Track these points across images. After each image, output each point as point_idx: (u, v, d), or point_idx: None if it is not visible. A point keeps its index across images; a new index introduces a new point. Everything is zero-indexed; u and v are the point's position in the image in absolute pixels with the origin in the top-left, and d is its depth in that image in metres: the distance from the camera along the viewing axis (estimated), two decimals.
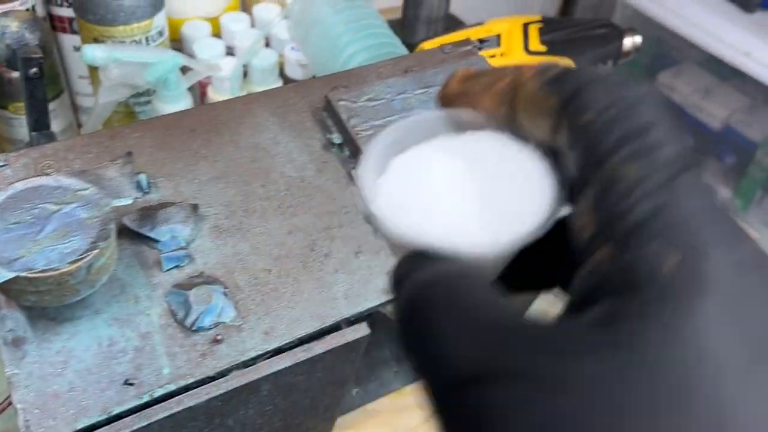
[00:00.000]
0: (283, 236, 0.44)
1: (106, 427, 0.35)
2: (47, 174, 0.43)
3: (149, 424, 0.36)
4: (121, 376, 0.37)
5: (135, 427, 0.35)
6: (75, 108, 0.82)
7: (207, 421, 0.39)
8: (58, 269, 0.34)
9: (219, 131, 0.48)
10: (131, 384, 0.37)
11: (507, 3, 1.42)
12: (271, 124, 0.49)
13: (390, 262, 0.43)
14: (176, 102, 0.66)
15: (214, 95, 0.74)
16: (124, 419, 0.35)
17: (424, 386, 0.17)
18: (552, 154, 0.20)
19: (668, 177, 0.16)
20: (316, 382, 0.43)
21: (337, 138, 0.48)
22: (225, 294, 0.40)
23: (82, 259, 0.34)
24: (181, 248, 0.41)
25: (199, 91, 0.78)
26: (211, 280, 0.40)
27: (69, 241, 0.35)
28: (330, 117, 0.50)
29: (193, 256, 0.42)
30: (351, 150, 0.48)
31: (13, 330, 0.37)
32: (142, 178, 0.43)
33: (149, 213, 0.42)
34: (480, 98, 0.21)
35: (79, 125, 0.80)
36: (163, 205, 0.42)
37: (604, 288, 0.16)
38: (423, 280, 0.18)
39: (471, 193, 0.20)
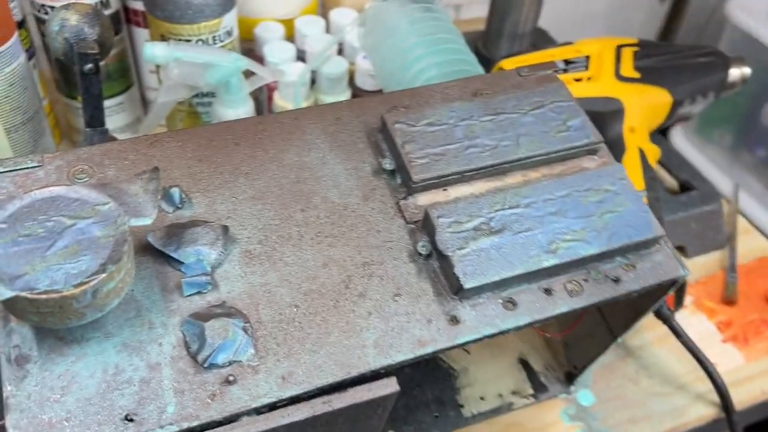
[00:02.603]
0: (317, 269, 0.40)
1: None
2: (79, 179, 0.41)
3: None
4: (122, 410, 0.34)
5: None
6: (144, 102, 0.82)
7: None
8: (60, 292, 0.31)
9: (264, 146, 0.44)
10: (131, 420, 0.34)
11: (604, 20, 1.34)
12: (321, 143, 0.45)
13: (431, 308, 0.38)
14: (237, 107, 0.63)
15: (280, 102, 0.72)
16: None
17: None
18: None
19: None
20: None
21: (389, 164, 0.44)
22: (245, 329, 0.37)
23: (87, 282, 0.31)
24: (205, 273, 0.38)
25: (267, 95, 0.76)
26: (232, 312, 0.37)
27: (78, 261, 0.32)
28: (385, 140, 0.45)
29: (217, 283, 0.38)
30: (403, 178, 0.43)
31: (18, 346, 0.35)
32: (175, 192, 0.40)
33: (176, 231, 0.39)
34: None
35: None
36: (193, 224, 0.39)
37: None
38: None
39: None
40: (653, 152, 0.69)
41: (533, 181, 0.45)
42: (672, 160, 0.78)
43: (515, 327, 0.39)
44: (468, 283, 0.38)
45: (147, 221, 0.35)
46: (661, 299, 0.46)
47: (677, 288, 0.64)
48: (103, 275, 0.32)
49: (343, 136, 0.46)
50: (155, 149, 0.43)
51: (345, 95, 0.74)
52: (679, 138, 1.24)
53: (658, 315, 0.57)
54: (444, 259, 0.40)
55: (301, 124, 0.46)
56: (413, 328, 0.38)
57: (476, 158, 0.44)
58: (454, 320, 0.39)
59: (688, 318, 0.67)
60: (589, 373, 0.61)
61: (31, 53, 0.68)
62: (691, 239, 0.72)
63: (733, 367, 0.63)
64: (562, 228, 0.41)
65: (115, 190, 0.35)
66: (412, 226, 0.42)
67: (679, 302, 0.63)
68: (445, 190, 0.44)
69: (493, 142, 0.44)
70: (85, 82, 0.53)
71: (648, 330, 0.65)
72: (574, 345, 0.59)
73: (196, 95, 0.68)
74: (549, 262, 0.40)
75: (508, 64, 0.69)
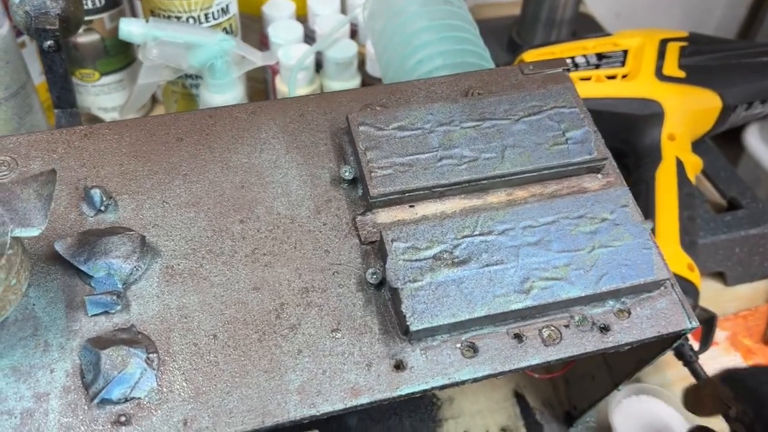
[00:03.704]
0: (247, 292, 0.34)
1: None
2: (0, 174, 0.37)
3: None
4: None
5: None
6: None
7: None
8: None
9: (211, 144, 0.39)
10: None
11: (681, 6, 1.20)
12: (277, 143, 0.39)
13: (374, 349, 0.32)
14: (223, 92, 0.58)
15: (281, 86, 0.66)
16: None
17: None
18: None
19: None
20: None
21: (348, 172, 0.38)
22: (148, 360, 0.32)
23: None
24: (114, 292, 0.33)
25: (271, 78, 0.70)
26: (137, 339, 0.32)
27: None
28: (350, 143, 0.39)
29: (129, 302, 0.34)
30: (363, 190, 0.37)
31: None
32: (96, 193, 0.35)
33: (89, 239, 0.34)
34: None
35: (154, 98, 0.75)
36: (111, 231, 0.35)
37: None
38: None
39: None
40: (694, 164, 0.61)
41: (518, 201, 0.38)
42: (720, 173, 0.68)
43: (472, 378, 0.33)
44: (415, 325, 0.32)
45: (34, 232, 0.30)
46: (663, 352, 0.38)
47: (704, 324, 0.55)
48: None
49: (304, 136, 0.40)
50: (88, 141, 0.38)
51: (353, 82, 0.68)
52: (753, 138, 1.08)
53: (679, 356, 0.49)
54: (395, 291, 0.34)
55: (257, 119, 0.40)
56: (348, 372, 0.33)
57: (450, 172, 0.37)
58: (400, 366, 0.33)
59: (719, 356, 0.59)
60: (594, 414, 0.53)
61: None
62: (733, 265, 0.63)
63: None
64: (540, 263, 0.34)
65: (7, 193, 0.31)
66: (367, 247, 0.36)
67: (705, 341, 0.54)
68: (411, 206, 0.37)
69: (473, 154, 0.38)
70: (47, 60, 0.48)
71: (670, 368, 0.57)
72: (575, 383, 0.51)
73: (189, 76, 0.63)
74: (519, 304, 0.33)
75: (531, 56, 0.61)
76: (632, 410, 0.50)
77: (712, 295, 0.63)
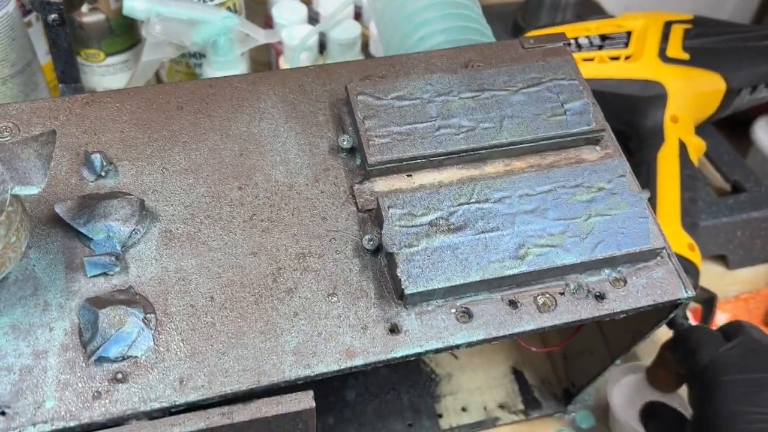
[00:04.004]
0: (244, 257, 0.35)
1: None
2: (2, 139, 0.37)
3: None
4: None
5: None
6: None
7: None
8: None
9: (210, 113, 0.39)
10: (2, 413, 0.30)
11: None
12: (276, 112, 0.40)
13: (370, 313, 0.33)
14: (226, 69, 0.58)
15: (284, 66, 0.66)
16: None
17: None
18: None
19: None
20: None
21: (347, 141, 0.38)
22: (146, 320, 0.32)
23: None
24: (113, 253, 0.33)
25: (275, 60, 0.70)
26: (135, 300, 0.32)
27: None
28: (348, 113, 0.39)
29: (127, 264, 0.34)
30: (361, 159, 0.38)
31: None
32: (96, 158, 0.36)
33: (89, 203, 0.34)
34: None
35: (158, 78, 0.76)
36: (111, 195, 0.35)
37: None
38: None
39: None
40: (697, 146, 0.60)
41: (515, 172, 0.38)
42: (723, 156, 0.68)
43: (466, 342, 0.33)
44: (410, 288, 0.32)
45: (34, 190, 0.30)
46: (659, 323, 0.38)
47: (704, 304, 0.55)
48: None
49: (303, 106, 0.40)
50: (90, 109, 0.39)
51: None
52: (762, 131, 1.05)
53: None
54: (390, 257, 0.34)
55: (257, 89, 0.41)
56: (343, 335, 0.33)
57: (448, 141, 0.37)
58: (395, 329, 0.33)
59: None
60: (593, 392, 0.54)
61: None
62: (735, 248, 0.63)
63: None
64: (536, 230, 0.34)
65: (7, 153, 0.31)
66: (364, 215, 0.36)
67: (705, 321, 0.54)
68: (409, 176, 0.38)
69: (471, 123, 0.38)
70: (51, 33, 0.49)
71: None
72: (574, 359, 0.52)
73: (192, 55, 0.64)
74: (514, 269, 0.33)
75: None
76: (630, 388, 0.50)
77: (714, 278, 0.63)
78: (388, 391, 0.52)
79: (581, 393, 0.51)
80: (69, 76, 0.52)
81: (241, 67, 0.60)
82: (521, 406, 0.52)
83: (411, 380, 0.53)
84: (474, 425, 0.51)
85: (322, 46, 0.69)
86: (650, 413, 0.45)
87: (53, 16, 0.48)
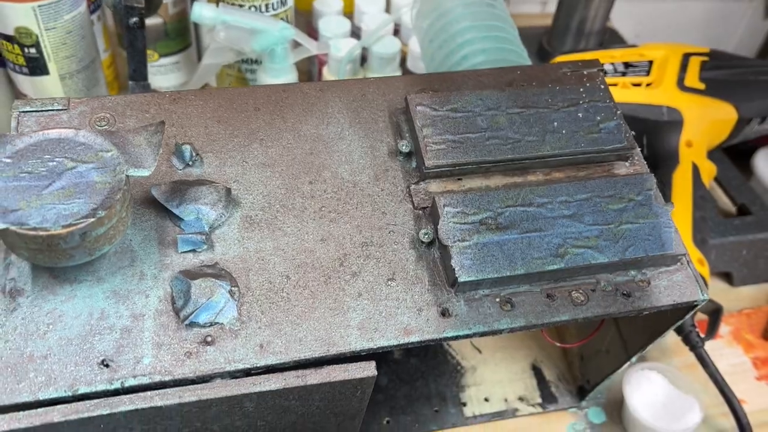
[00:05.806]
0: (315, 242, 0.39)
1: (68, 405, 0.33)
2: (99, 126, 0.42)
3: (111, 414, 0.33)
4: (100, 355, 0.34)
5: (95, 414, 0.33)
6: None
7: (185, 422, 0.36)
8: (47, 230, 0.32)
9: (284, 114, 0.44)
10: (107, 365, 0.34)
11: (700, 32, 1.25)
12: (342, 117, 0.44)
13: (424, 297, 0.37)
14: (279, 76, 0.63)
15: (328, 76, 0.71)
16: (88, 402, 0.33)
17: None
18: None
19: None
20: (316, 410, 0.39)
21: (405, 146, 0.43)
22: (231, 292, 0.36)
23: (75, 225, 0.32)
24: (202, 233, 0.38)
25: (318, 69, 0.75)
26: (221, 274, 0.37)
27: (71, 203, 0.33)
28: (406, 121, 0.44)
29: (213, 243, 0.38)
30: (418, 162, 0.42)
31: (14, 279, 0.36)
32: (186, 149, 0.40)
33: (180, 187, 0.39)
34: None
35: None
36: (199, 182, 0.39)
37: None
38: None
39: None
40: (708, 170, 0.65)
41: (554, 181, 0.43)
42: (732, 181, 0.73)
43: (508, 328, 0.38)
44: (463, 276, 0.37)
45: (145, 173, 0.35)
46: (676, 323, 0.43)
47: (711, 315, 0.60)
48: (93, 220, 0.32)
49: (365, 113, 0.45)
50: (177, 105, 0.43)
51: None
52: (763, 163, 1.10)
53: (686, 341, 0.54)
54: (444, 249, 0.38)
55: (324, 96, 0.45)
56: (401, 315, 0.37)
57: (496, 150, 0.42)
58: (446, 313, 0.38)
59: (722, 348, 0.63)
60: (604, 390, 0.58)
61: (97, 5, 0.70)
62: (740, 267, 0.68)
63: (763, 407, 0.59)
64: (574, 232, 0.39)
65: (120, 139, 0.36)
66: (419, 212, 0.41)
67: (711, 330, 0.59)
68: (459, 179, 0.42)
69: (517, 136, 0.43)
70: (130, 35, 0.54)
71: (677, 354, 0.61)
72: (590, 358, 0.56)
73: (245, 61, 0.68)
74: (554, 266, 0.38)
75: (562, 60, 0.66)
76: (644, 385, 0.54)
77: (719, 293, 0.67)
78: (417, 379, 0.56)
79: (595, 389, 0.55)
80: (139, 74, 0.56)
81: (292, 75, 0.65)
82: (539, 400, 0.57)
83: (438, 370, 0.57)
84: (495, 414, 0.56)
85: (363, 59, 0.74)
86: None
87: (134, 19, 0.52)
